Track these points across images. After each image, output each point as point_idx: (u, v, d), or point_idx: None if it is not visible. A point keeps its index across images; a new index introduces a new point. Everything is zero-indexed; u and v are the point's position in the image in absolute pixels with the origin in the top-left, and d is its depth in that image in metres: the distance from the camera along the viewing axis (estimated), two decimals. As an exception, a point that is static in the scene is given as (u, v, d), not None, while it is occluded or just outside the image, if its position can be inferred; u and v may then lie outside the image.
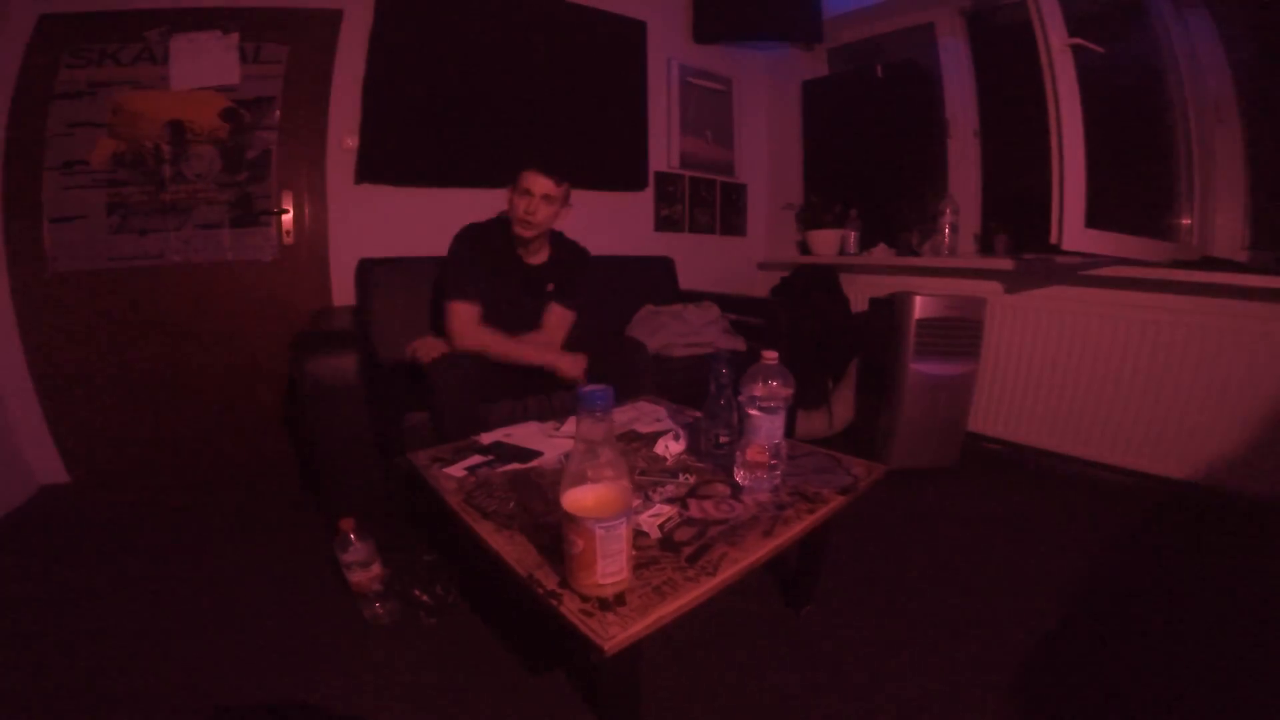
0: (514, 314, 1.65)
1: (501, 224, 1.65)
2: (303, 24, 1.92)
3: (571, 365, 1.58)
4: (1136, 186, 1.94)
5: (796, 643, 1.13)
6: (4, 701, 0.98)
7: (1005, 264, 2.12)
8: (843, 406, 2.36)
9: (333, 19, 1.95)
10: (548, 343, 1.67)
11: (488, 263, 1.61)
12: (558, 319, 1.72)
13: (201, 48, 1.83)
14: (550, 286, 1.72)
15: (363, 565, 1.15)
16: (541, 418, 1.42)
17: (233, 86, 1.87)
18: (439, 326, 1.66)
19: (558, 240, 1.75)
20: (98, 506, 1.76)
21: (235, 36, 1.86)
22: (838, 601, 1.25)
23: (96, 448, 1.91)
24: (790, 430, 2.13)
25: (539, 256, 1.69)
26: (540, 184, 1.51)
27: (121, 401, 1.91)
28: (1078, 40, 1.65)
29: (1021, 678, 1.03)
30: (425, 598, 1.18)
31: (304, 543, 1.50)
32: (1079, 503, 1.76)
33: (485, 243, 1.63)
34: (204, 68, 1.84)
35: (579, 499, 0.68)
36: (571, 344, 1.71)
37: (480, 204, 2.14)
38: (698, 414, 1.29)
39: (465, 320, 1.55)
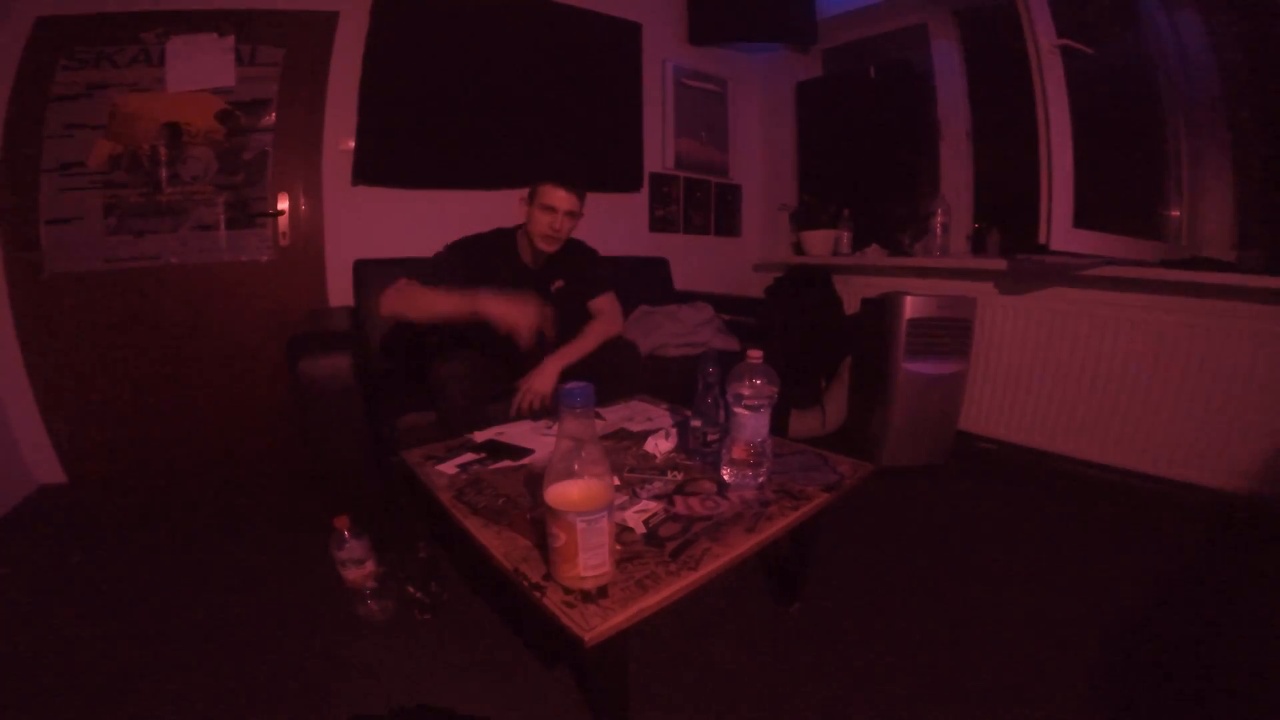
0: None
1: (500, 235, 1.65)
2: (299, 26, 1.93)
3: (522, 317, 1.33)
4: (1126, 187, 1.95)
5: (785, 639, 1.14)
6: (3, 700, 0.99)
7: (996, 264, 2.14)
8: (835, 406, 2.38)
9: (328, 21, 1.96)
10: (601, 330, 1.64)
11: (481, 274, 1.52)
12: (605, 305, 1.71)
13: (198, 50, 1.84)
14: (558, 284, 1.69)
15: (357, 562, 1.17)
16: (537, 416, 1.43)
17: (229, 88, 1.89)
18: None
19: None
20: (95, 506, 1.77)
21: (231, 39, 1.87)
22: (827, 599, 1.26)
23: (93, 447, 1.93)
24: (784, 429, 2.18)
25: (543, 259, 1.67)
26: (563, 199, 1.51)
27: (118, 401, 1.92)
28: (1066, 40, 1.67)
29: (1013, 676, 1.04)
30: (419, 594, 1.20)
31: (299, 540, 1.51)
32: (1069, 501, 1.77)
33: (479, 256, 1.59)
34: (200, 70, 1.85)
35: (561, 493, 0.69)
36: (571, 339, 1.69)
37: (476, 206, 2.16)
38: (690, 413, 1.30)
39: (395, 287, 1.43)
